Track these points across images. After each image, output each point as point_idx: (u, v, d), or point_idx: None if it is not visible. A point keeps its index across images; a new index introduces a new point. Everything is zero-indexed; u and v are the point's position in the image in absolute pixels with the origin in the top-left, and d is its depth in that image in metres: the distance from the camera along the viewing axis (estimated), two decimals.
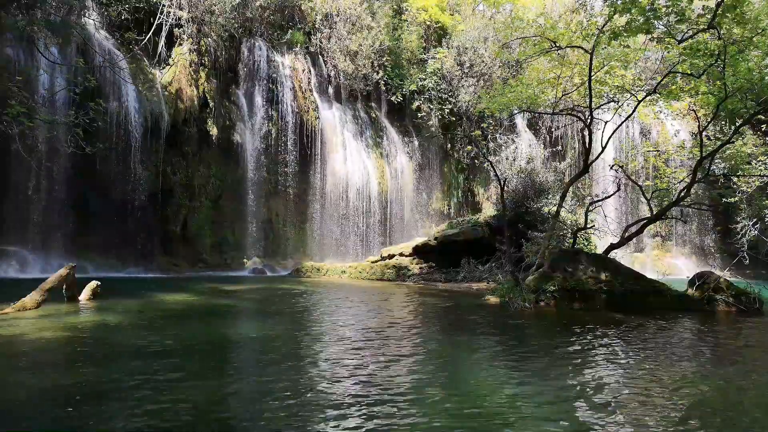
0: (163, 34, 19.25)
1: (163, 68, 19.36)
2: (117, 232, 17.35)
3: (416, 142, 25.79)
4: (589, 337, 7.10)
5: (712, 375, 5.19)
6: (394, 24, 25.64)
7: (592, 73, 11.66)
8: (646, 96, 12.42)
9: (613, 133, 13.39)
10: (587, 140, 13.25)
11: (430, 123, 25.46)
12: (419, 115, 25.49)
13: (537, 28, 12.84)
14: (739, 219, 21.29)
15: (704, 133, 12.78)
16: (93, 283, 9.49)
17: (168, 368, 4.90)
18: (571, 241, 14.08)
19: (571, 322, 8.32)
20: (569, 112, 15.11)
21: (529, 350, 6.42)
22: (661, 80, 12.27)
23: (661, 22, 10.78)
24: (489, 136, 25.33)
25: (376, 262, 18.48)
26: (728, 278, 11.55)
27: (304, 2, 23.26)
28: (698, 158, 12.10)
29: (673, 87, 12.53)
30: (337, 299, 11.53)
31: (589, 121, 12.63)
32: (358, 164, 23.14)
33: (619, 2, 10.03)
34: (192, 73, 19.69)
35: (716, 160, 14.63)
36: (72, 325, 7.05)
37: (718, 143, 12.96)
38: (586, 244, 16.87)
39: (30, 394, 4.14)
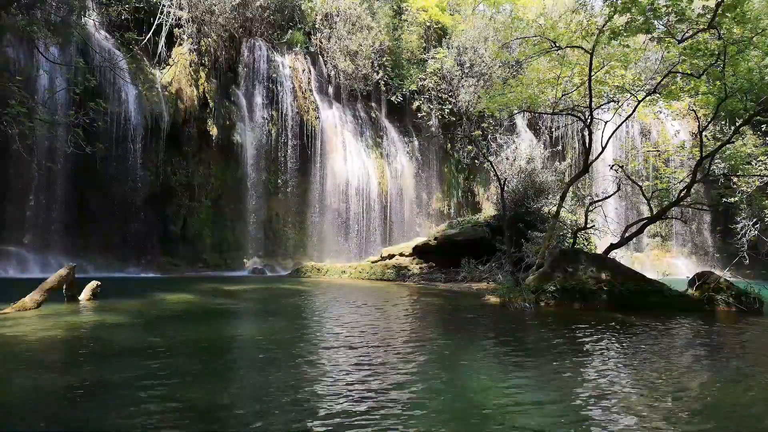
0: (163, 34, 19.26)
1: (163, 68, 19.36)
2: (117, 232, 17.36)
3: (416, 142, 25.80)
4: (589, 337, 7.10)
5: (714, 375, 5.18)
6: (394, 24, 25.66)
7: (592, 73, 11.66)
8: (646, 96, 12.41)
9: (613, 133, 13.38)
10: (587, 140, 13.25)
11: (430, 123, 25.47)
12: (419, 115, 25.51)
13: (537, 28, 12.85)
14: (739, 219, 21.31)
15: (704, 133, 12.78)
16: (93, 283, 9.48)
17: (168, 368, 4.90)
18: (571, 241, 14.08)
19: (571, 322, 8.32)
20: (569, 112, 15.10)
21: (530, 350, 6.42)
22: (661, 80, 12.27)
23: (661, 22, 10.79)
24: (489, 136, 25.33)
25: (377, 262, 18.48)
26: (728, 278, 11.55)
27: (304, 2, 23.27)
28: (698, 158, 12.10)
29: (673, 87, 12.53)
30: (337, 299, 11.52)
31: (589, 121, 12.62)
32: (358, 164, 23.14)
33: (619, 2, 10.03)
34: (192, 73, 19.69)
35: (716, 160, 14.61)
36: (72, 325, 7.04)
37: (718, 143, 12.96)
38: (586, 244, 16.87)
39: (30, 394, 4.13)
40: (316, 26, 23.65)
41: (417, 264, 17.61)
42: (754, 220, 20.24)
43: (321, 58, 23.69)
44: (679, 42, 10.71)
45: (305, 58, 23.11)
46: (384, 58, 24.29)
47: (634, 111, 13.24)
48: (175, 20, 19.50)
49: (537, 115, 24.62)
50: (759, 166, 16.25)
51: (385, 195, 23.79)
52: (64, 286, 8.73)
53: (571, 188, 15.54)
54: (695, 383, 4.88)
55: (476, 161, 25.76)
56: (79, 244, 16.48)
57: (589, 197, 22.49)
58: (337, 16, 23.61)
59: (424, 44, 26.21)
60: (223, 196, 20.47)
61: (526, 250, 14.03)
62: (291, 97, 21.81)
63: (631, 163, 22.98)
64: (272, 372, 4.95)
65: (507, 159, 19.69)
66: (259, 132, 21.07)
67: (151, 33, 18.91)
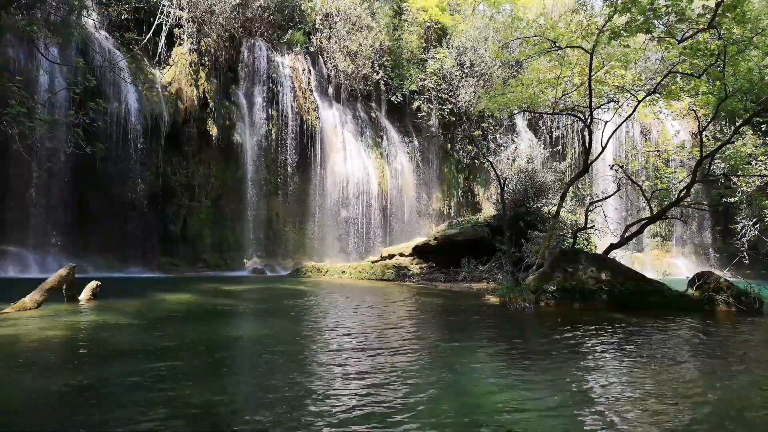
0: (163, 34, 19.25)
1: (163, 68, 19.36)
2: (117, 232, 17.35)
3: (416, 142, 25.80)
4: (589, 338, 7.10)
5: (714, 375, 5.18)
6: (394, 24, 25.65)
7: (592, 73, 11.66)
8: (646, 96, 12.42)
9: (613, 133, 13.39)
10: (587, 140, 13.25)
11: (430, 123, 25.47)
12: (419, 115, 25.50)
13: (537, 28, 12.85)
14: (739, 219, 21.32)
15: (704, 133, 12.78)
16: (93, 283, 9.48)
17: (168, 368, 4.90)
18: (571, 241, 14.08)
19: (572, 322, 8.32)
20: (569, 112, 15.11)
21: (530, 350, 6.42)
22: (661, 80, 12.27)
23: (661, 22, 10.79)
24: (489, 136, 25.33)
25: (377, 262, 18.48)
26: (728, 278, 11.54)
27: (304, 2, 23.27)
28: (698, 158, 12.10)
29: (673, 87, 12.53)
30: (337, 299, 11.53)
31: (589, 121, 12.62)
32: (358, 164, 23.14)
33: (619, 2, 10.03)
34: (192, 73, 19.69)
35: (716, 160, 14.62)
36: (72, 325, 7.04)
37: (718, 143, 12.96)
38: (586, 244, 16.87)
39: (30, 394, 4.13)
40: (316, 26, 23.64)
41: (417, 264, 17.61)
42: (754, 220, 20.26)
43: (321, 58, 23.68)
44: (679, 42, 10.71)
45: (305, 58, 23.11)
46: (384, 58, 24.29)
47: (634, 111, 13.24)
48: (175, 20, 19.50)
49: (537, 115, 24.61)
50: (759, 166, 16.26)
51: (385, 195, 23.79)
52: (64, 286, 8.73)
53: (571, 188, 15.55)
54: (696, 383, 4.87)
55: (476, 161, 25.76)
56: (79, 244, 16.47)
57: (589, 197, 22.49)
58: (337, 16, 23.60)
59: (424, 44, 26.21)
60: (223, 196, 20.47)
61: (526, 250, 14.03)
62: (291, 97, 21.81)
63: (631, 163, 22.99)
64: (272, 372, 4.95)
65: (507, 159, 19.70)
66: (259, 132, 21.07)
67: (151, 33, 18.91)
